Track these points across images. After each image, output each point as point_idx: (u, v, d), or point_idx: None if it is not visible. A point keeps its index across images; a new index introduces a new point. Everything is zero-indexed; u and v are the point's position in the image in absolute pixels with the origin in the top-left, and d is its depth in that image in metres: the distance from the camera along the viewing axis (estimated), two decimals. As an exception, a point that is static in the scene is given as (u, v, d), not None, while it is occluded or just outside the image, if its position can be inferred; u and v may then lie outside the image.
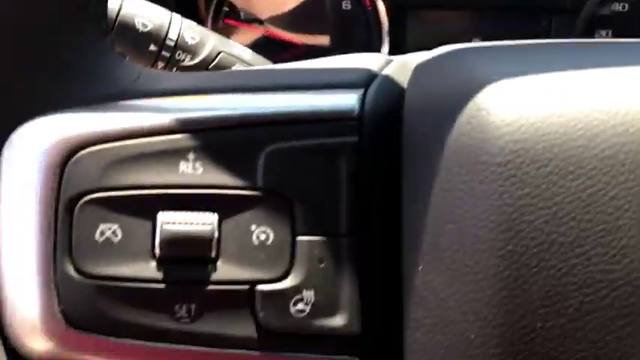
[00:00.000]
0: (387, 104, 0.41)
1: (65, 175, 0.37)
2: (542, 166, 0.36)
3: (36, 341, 0.37)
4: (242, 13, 1.04)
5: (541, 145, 0.36)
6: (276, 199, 0.39)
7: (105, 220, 0.37)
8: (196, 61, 0.70)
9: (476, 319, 0.37)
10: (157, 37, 0.71)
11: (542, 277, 0.36)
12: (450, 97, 0.39)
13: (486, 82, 0.38)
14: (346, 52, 0.49)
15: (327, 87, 0.42)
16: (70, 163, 0.37)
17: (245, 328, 0.39)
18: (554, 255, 0.35)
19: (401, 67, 0.45)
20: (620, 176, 0.35)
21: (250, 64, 0.75)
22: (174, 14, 0.73)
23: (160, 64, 0.71)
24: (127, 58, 0.69)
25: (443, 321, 0.38)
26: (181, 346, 0.38)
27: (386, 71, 0.44)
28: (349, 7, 1.03)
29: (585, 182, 0.35)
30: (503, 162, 0.36)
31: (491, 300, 0.36)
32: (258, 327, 0.39)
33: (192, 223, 0.38)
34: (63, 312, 0.37)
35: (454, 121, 0.38)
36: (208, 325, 0.38)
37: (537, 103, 0.37)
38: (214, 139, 0.39)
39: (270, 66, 0.66)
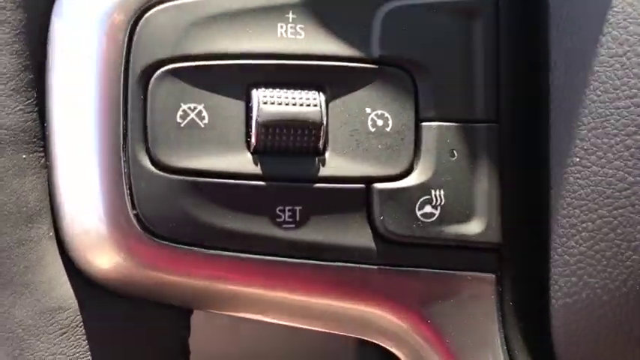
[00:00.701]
0: None
1: (135, 39, 0.29)
2: None
3: (103, 255, 0.30)
4: None
5: None
6: (396, 74, 0.31)
7: (187, 99, 0.29)
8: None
9: (656, 220, 0.30)
10: None
11: None
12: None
13: None
14: None
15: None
16: (141, 22, 0.29)
17: (359, 236, 0.31)
18: None
19: None
20: None
21: None
22: None
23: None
24: None
25: (608, 224, 0.31)
26: (284, 259, 0.30)
27: None
28: None
29: None
30: None
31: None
32: (376, 235, 0.31)
33: (294, 104, 0.30)
34: (137, 216, 0.29)
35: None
36: (316, 233, 0.31)
37: None
38: None
39: None
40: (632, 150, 0.30)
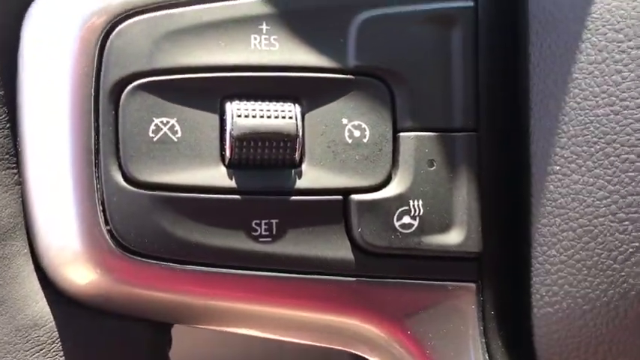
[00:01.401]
0: None
1: (106, 53, 0.28)
2: None
3: (78, 272, 0.29)
4: None
5: None
6: (373, 84, 0.31)
7: (160, 113, 0.29)
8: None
9: (636, 229, 0.29)
10: None
11: None
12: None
13: None
14: None
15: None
16: (112, 36, 0.28)
17: (338, 249, 0.31)
18: None
19: None
20: None
21: None
22: None
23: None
24: None
25: (588, 233, 0.30)
26: (261, 272, 0.30)
27: None
28: None
29: None
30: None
31: (659, 202, 0.28)
32: (355, 246, 0.31)
33: (269, 116, 0.29)
34: (111, 233, 0.29)
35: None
36: (293, 246, 0.30)
37: None
38: (293, 3, 0.30)
39: None
40: (612, 158, 0.30)
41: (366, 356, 0.34)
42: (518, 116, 0.32)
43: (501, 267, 0.33)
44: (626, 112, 0.29)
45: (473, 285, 0.32)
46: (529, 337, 0.33)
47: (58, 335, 0.30)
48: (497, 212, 0.32)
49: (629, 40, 0.29)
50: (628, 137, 0.29)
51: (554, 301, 0.31)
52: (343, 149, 0.31)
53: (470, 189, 0.32)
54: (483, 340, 0.33)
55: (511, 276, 0.33)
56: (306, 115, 0.30)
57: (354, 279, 0.31)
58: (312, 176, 0.30)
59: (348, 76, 0.31)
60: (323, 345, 0.34)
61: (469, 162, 0.32)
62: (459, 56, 0.31)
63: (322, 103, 0.31)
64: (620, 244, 0.29)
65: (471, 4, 0.32)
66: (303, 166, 0.30)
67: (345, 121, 0.31)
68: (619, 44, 0.29)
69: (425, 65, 0.31)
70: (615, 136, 0.29)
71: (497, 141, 0.32)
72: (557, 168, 0.31)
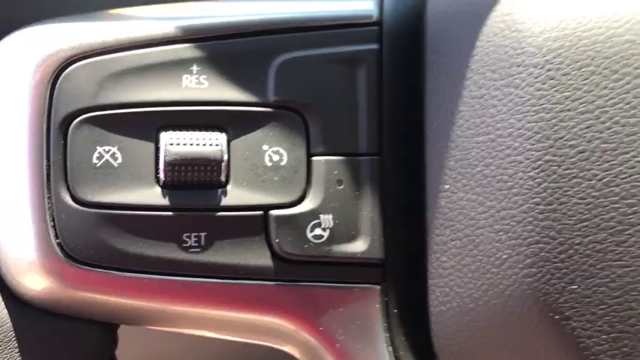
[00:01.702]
0: (407, 9, 0.38)
1: (57, 92, 0.33)
2: (583, 65, 0.33)
3: (32, 279, 0.34)
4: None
5: (583, 42, 0.33)
6: (289, 116, 0.36)
7: (103, 142, 0.34)
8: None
9: (509, 238, 0.34)
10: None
11: (582, 189, 0.33)
12: (478, -4, 0.35)
13: (518, -21, 0.35)
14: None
15: (340, -8, 0.38)
16: (61, 77, 0.33)
17: (259, 257, 0.36)
18: (596, 164, 0.33)
19: None
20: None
21: None
22: None
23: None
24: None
25: (472, 242, 0.36)
26: (191, 279, 0.35)
27: None
28: None
29: (632, 82, 0.32)
30: (541, 63, 0.33)
31: (526, 216, 0.34)
32: (273, 255, 0.36)
33: (198, 144, 0.34)
34: (60, 245, 0.33)
35: (485, 20, 0.34)
36: (220, 255, 0.35)
37: (576, -2, 0.34)
38: (220, 48, 0.35)
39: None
40: (489, 179, 0.35)
41: (288, 350, 0.39)
42: (416, 141, 0.37)
43: (402, 271, 0.38)
44: (500, 139, 0.34)
45: (377, 287, 0.38)
46: (427, 331, 0.38)
47: (14, 334, 0.35)
48: (398, 224, 0.37)
49: (502, 80, 0.34)
50: (501, 161, 0.34)
51: (446, 301, 0.37)
52: (264, 171, 0.36)
53: (374, 204, 0.37)
54: (387, 335, 0.38)
55: (411, 279, 0.38)
56: (232, 143, 0.35)
57: (273, 283, 0.36)
58: (236, 194, 0.35)
59: (268, 109, 0.36)
60: (250, 341, 0.39)
61: (373, 181, 0.37)
62: (365, 91, 0.37)
63: (246, 132, 0.36)
64: (496, 251, 0.35)
65: (376, 46, 0.37)
66: (229, 186, 0.35)
67: (265, 147, 0.36)
68: (494, 82, 0.34)
69: (334, 99, 0.36)
70: (492, 160, 0.35)
71: (399, 163, 0.37)
72: (447, 187, 0.36)
